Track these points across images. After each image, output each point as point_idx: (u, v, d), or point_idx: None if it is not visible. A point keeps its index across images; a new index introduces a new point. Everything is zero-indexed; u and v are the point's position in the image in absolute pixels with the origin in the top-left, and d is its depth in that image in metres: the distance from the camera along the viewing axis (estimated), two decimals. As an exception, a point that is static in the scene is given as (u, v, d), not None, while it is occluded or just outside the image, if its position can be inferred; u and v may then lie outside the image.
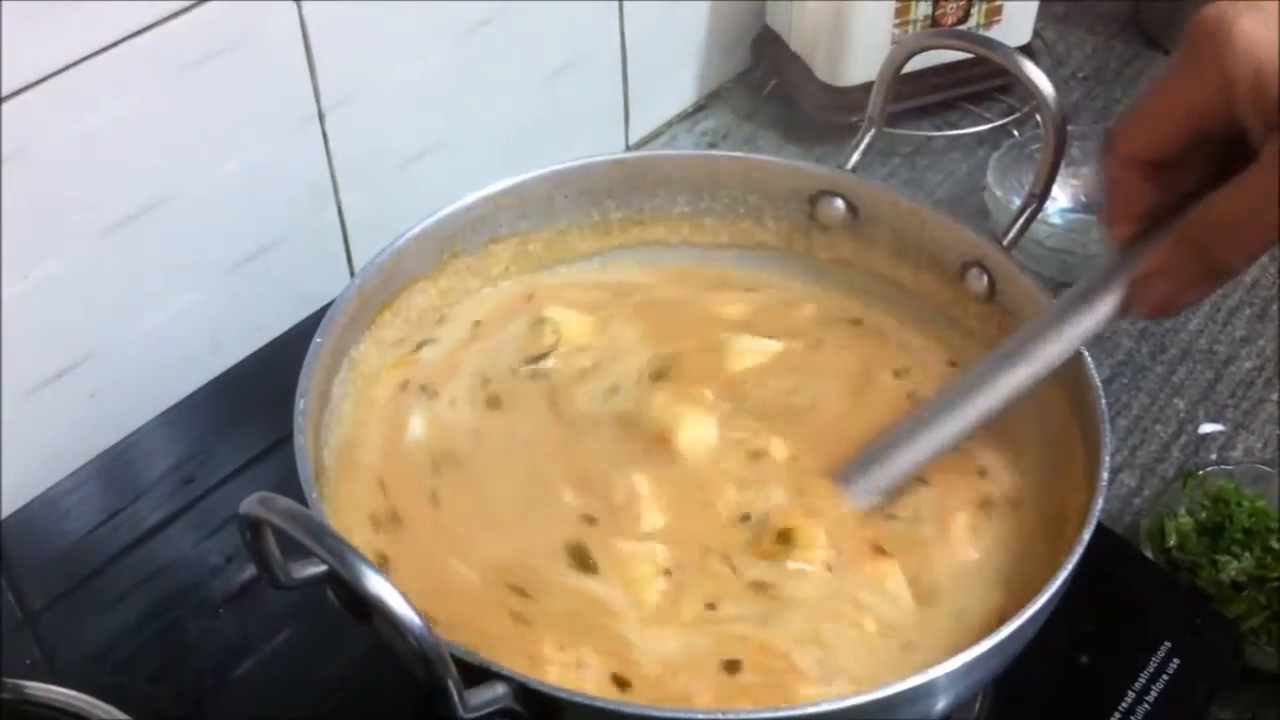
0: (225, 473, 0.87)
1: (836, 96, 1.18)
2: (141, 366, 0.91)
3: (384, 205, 1.00)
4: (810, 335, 0.82)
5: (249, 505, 0.50)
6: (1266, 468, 0.90)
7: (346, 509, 0.71)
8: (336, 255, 1.01)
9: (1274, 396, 1.00)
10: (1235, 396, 1.00)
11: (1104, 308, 0.65)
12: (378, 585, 0.49)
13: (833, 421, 0.76)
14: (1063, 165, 0.77)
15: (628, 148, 1.21)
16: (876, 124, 0.83)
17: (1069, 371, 0.71)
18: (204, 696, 0.77)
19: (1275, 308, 1.06)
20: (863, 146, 0.83)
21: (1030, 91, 0.75)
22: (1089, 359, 0.69)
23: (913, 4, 1.15)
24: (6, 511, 0.86)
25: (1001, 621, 0.59)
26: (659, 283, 0.86)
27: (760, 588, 0.67)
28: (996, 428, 0.73)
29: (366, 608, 0.50)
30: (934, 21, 1.17)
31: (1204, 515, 0.86)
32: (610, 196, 0.84)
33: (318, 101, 0.94)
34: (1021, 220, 0.78)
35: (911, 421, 0.72)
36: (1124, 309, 0.64)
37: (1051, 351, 0.67)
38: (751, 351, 0.80)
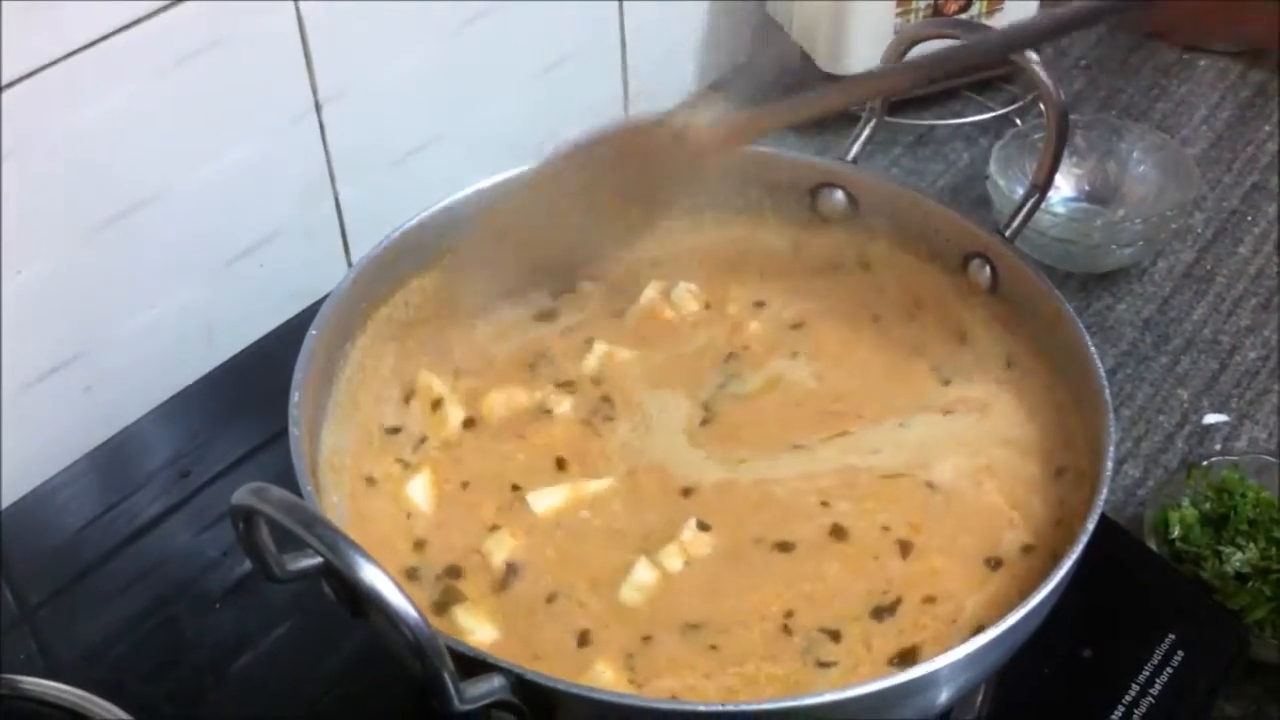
0: (221, 467, 0.86)
1: (837, 87, 1.17)
2: (137, 361, 0.91)
3: (381, 199, 0.99)
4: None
5: (242, 496, 0.50)
6: (1271, 458, 0.89)
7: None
8: (333, 250, 1.01)
9: (1278, 387, 0.99)
10: (1239, 387, 0.99)
11: None
12: (372, 576, 0.49)
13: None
14: (1065, 154, 0.77)
15: (628, 140, 1.21)
16: (878, 114, 0.82)
17: (1073, 362, 0.70)
18: (201, 692, 0.76)
19: (1279, 298, 1.06)
20: (863, 137, 0.82)
21: (1033, 80, 0.75)
22: (1093, 348, 0.69)
23: (914, -7, 1.15)
24: (2, 505, 0.85)
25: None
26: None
27: None
28: (1001, 421, 0.73)
29: (361, 600, 0.49)
30: (936, 10, 1.16)
31: (1208, 506, 0.86)
32: (609, 190, 0.84)
33: (315, 95, 0.93)
34: (1024, 210, 0.77)
35: None
36: None
37: None
38: None
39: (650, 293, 0.83)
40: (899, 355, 0.80)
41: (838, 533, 0.69)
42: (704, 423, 0.76)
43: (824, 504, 0.71)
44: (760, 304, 0.83)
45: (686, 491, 0.72)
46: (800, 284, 0.84)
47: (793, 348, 0.80)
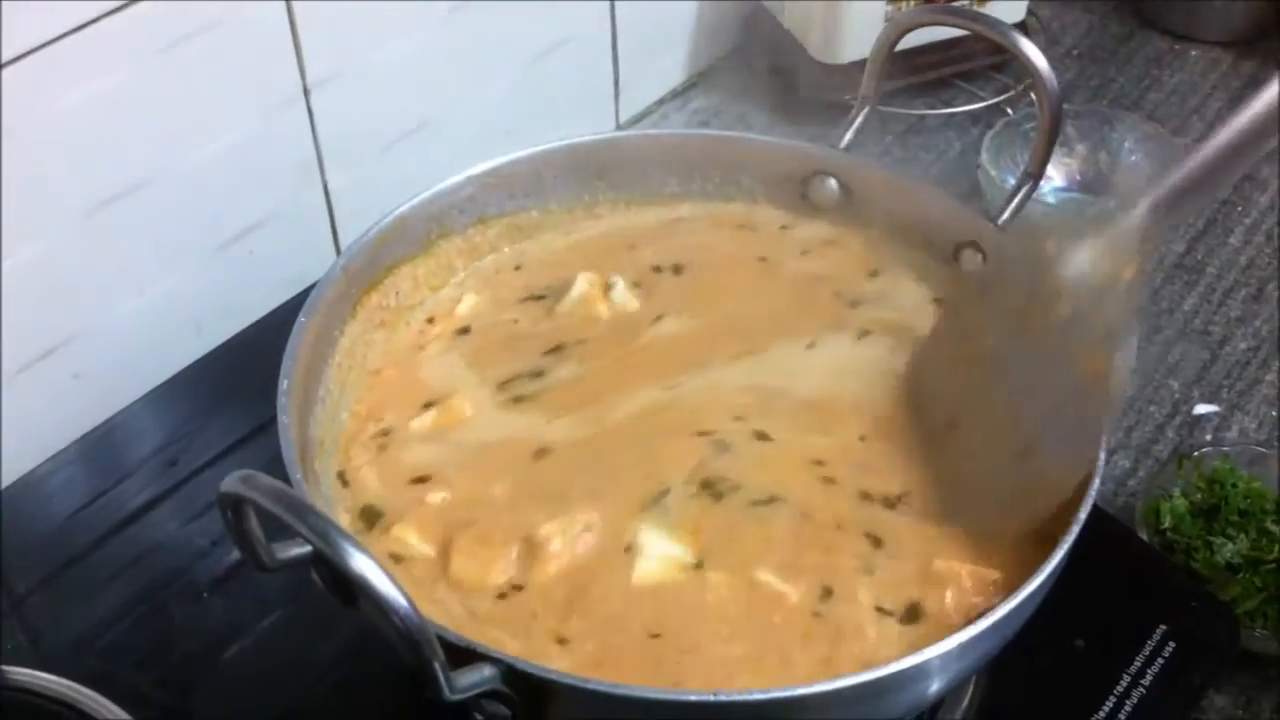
0: (210, 455, 0.86)
1: (829, 75, 1.17)
2: (125, 348, 0.90)
3: (371, 185, 0.99)
4: None
5: (230, 483, 0.50)
6: (1262, 449, 0.89)
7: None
8: (322, 236, 1.00)
9: (1269, 377, 0.99)
10: (1230, 377, 0.99)
11: None
12: (362, 565, 0.48)
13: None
14: (1057, 144, 0.76)
15: (618, 126, 1.20)
16: (871, 102, 0.81)
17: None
18: (190, 682, 0.76)
19: (1271, 287, 1.06)
20: (856, 125, 0.82)
21: (1026, 69, 0.74)
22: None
23: (906, -19, 1.14)
24: (-10, 494, 0.85)
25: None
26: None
27: None
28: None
29: (351, 589, 0.49)
30: (926, -1, 1.16)
31: (1199, 497, 0.86)
32: (600, 177, 0.83)
33: (303, 79, 0.93)
34: (1017, 200, 0.77)
35: None
36: None
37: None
38: None
39: (582, 285, 0.80)
40: (793, 285, 0.80)
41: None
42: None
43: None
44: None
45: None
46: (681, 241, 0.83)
47: (658, 309, 0.79)
